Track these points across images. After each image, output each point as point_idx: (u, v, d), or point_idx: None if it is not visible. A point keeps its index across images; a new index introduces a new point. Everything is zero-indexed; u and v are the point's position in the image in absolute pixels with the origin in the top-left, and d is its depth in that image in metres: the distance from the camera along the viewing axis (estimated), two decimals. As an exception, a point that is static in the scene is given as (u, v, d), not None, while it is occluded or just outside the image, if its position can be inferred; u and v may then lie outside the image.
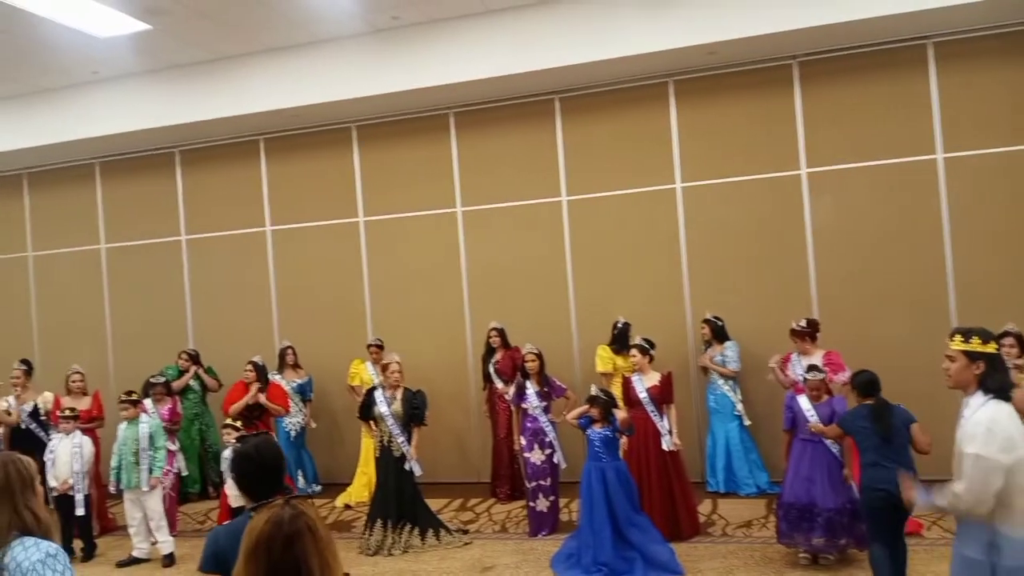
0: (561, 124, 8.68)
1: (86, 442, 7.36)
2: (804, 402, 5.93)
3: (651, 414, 6.65)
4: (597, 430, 6.25)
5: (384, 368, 7.27)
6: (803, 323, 7.09)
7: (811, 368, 6.07)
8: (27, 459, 2.60)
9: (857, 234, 7.83)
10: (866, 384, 5.17)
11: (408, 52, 8.18)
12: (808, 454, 5.85)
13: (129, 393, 7.31)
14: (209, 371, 9.11)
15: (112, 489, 7.13)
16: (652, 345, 6.90)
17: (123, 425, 7.16)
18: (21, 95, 9.51)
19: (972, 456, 3.18)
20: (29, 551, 2.41)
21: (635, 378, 6.79)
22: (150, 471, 7.00)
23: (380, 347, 8.57)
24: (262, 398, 7.97)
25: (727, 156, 8.16)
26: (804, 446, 5.93)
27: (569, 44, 7.71)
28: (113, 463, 7.09)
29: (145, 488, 6.96)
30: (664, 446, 6.60)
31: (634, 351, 6.85)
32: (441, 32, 8.07)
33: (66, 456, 7.21)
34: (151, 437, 7.06)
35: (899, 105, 7.70)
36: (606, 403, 6.28)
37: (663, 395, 6.71)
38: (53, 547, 2.45)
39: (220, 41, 8.28)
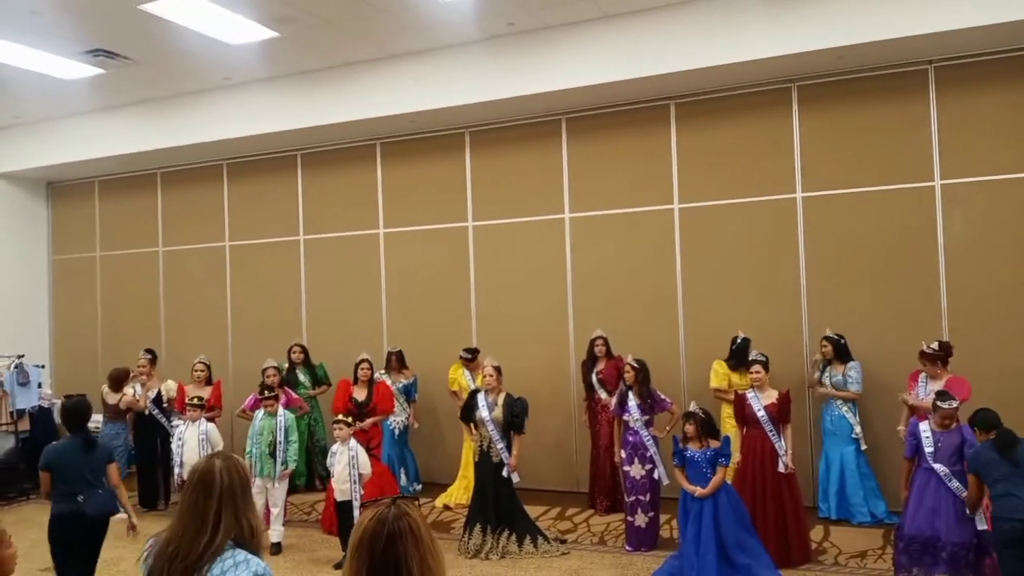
0: (675, 130, 8.49)
1: (211, 429, 7.71)
2: (925, 428, 5.58)
3: (769, 433, 6.38)
4: (695, 450, 6.05)
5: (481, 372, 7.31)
6: (935, 345, 6.63)
7: (942, 395, 5.68)
8: (244, 461, 2.45)
9: (993, 250, 7.29)
10: (986, 420, 5.14)
11: (522, 58, 8.20)
12: (932, 484, 5.50)
13: (271, 388, 7.64)
14: (320, 367, 9.38)
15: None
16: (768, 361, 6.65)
17: (260, 414, 7.46)
18: (157, 99, 10.10)
19: None
20: (238, 567, 2.23)
21: (751, 395, 6.53)
22: (284, 463, 7.28)
23: (471, 359, 8.56)
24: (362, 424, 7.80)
25: (853, 165, 7.76)
26: (928, 476, 5.58)
27: (685, 49, 7.53)
28: (250, 450, 7.37)
29: (276, 479, 7.24)
30: (780, 468, 6.33)
31: (758, 367, 6.56)
32: (555, 38, 8.04)
33: (194, 443, 7.56)
34: (286, 430, 7.34)
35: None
36: (703, 421, 6.09)
37: (781, 414, 6.43)
38: (262, 566, 2.27)
39: (342, 48, 8.54)
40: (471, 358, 8.60)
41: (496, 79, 8.34)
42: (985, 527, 5.28)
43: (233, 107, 9.71)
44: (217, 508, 2.29)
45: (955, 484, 5.41)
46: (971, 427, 5.31)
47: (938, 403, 5.59)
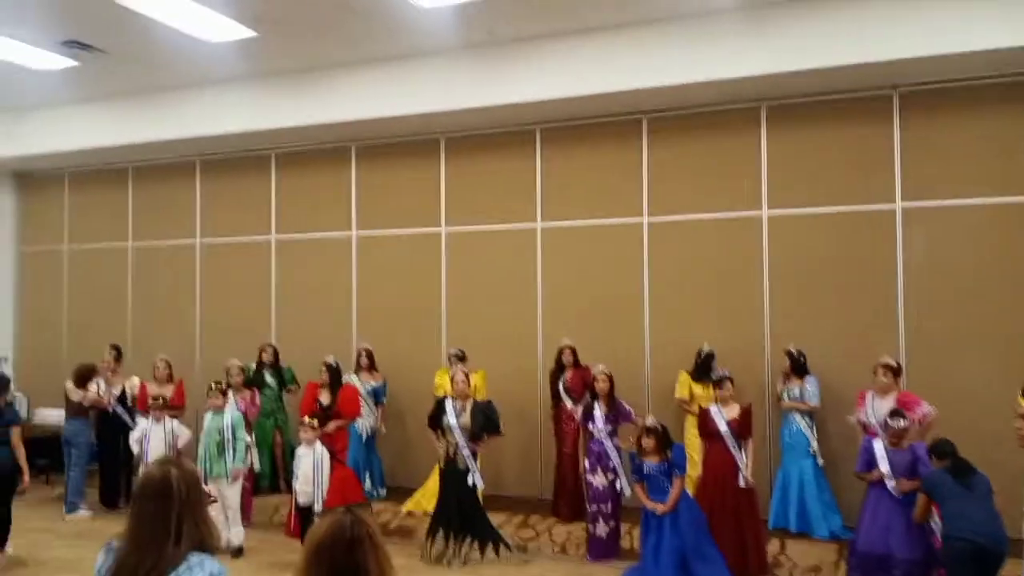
0: (647, 144, 8.62)
1: (178, 425, 7.67)
2: (878, 446, 5.74)
3: (731, 448, 6.51)
4: (652, 463, 6.15)
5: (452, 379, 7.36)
6: (892, 361, 6.78)
7: (894, 414, 5.84)
8: (193, 466, 2.47)
9: (950, 273, 7.50)
10: (941, 449, 5.26)
11: (499, 67, 8.27)
12: (885, 501, 5.66)
13: (219, 383, 7.54)
14: (287, 371, 9.35)
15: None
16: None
17: (209, 414, 7.41)
18: (131, 93, 10.00)
19: None
20: (194, 571, 2.26)
21: (714, 409, 6.65)
22: (234, 462, 7.19)
23: (460, 358, 8.46)
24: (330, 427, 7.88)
25: (818, 185, 7.94)
26: (880, 493, 5.74)
27: (659, 65, 7.63)
28: (199, 451, 7.32)
29: (228, 479, 7.18)
30: (740, 483, 6.45)
31: (728, 384, 6.69)
32: (532, 49, 8.11)
33: (159, 443, 7.50)
34: (233, 428, 7.26)
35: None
36: (661, 435, 6.20)
37: (742, 428, 6.56)
38: (217, 567, 2.31)
39: (321, 50, 8.54)
40: (462, 356, 8.48)
41: (473, 87, 8.40)
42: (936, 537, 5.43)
43: (208, 104, 9.67)
44: (178, 518, 2.28)
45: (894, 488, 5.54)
46: (928, 455, 5.44)
47: (888, 421, 5.75)
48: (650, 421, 6.33)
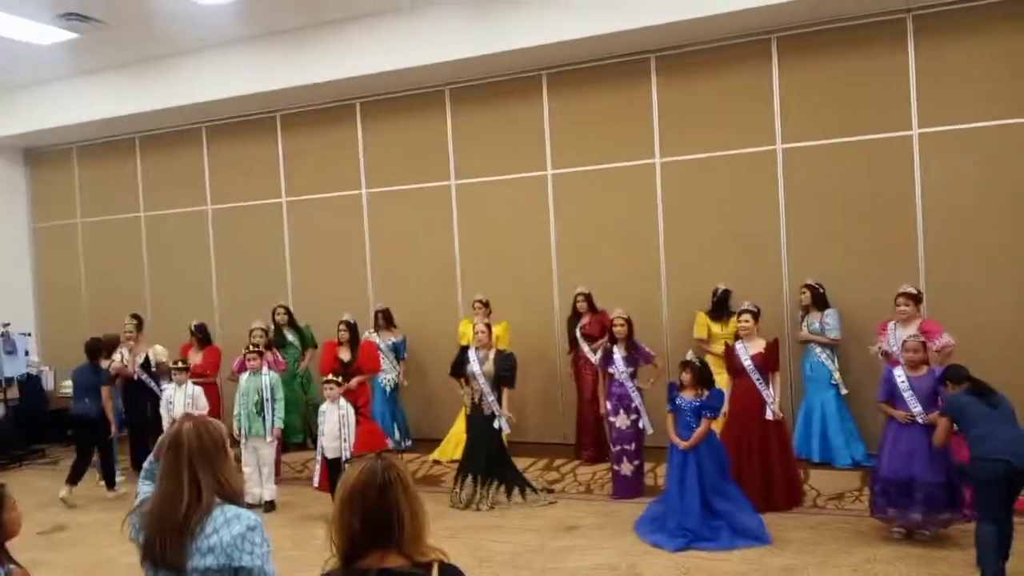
0: (656, 84, 8.48)
1: (198, 392, 7.80)
2: (899, 373, 5.73)
3: (756, 382, 6.52)
4: (686, 398, 6.17)
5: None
6: (914, 288, 6.75)
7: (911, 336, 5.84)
8: (217, 422, 2.48)
9: (969, 199, 7.39)
10: (956, 374, 5.25)
11: (499, 14, 8.13)
12: (906, 427, 5.66)
13: (256, 345, 7.65)
14: (306, 329, 9.43)
15: (237, 437, 7.28)
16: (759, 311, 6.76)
17: (245, 375, 7.51)
18: (133, 63, 9.94)
19: None
20: (231, 523, 2.31)
21: (739, 346, 6.66)
22: (273, 422, 7.33)
23: (484, 304, 8.46)
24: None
25: (832, 116, 7.81)
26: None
27: (665, 2, 7.49)
28: (236, 411, 7.42)
29: (269, 438, 7.32)
30: (768, 415, 6.48)
31: (746, 316, 6.67)
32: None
33: (181, 407, 7.62)
34: (272, 389, 7.39)
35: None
36: (698, 370, 6.20)
37: (768, 362, 6.56)
38: (253, 519, 2.35)
39: (318, 6, 8.42)
40: (486, 303, 8.46)
41: (474, 35, 8.27)
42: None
43: (209, 69, 9.59)
44: (191, 469, 2.33)
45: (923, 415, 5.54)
46: (942, 383, 5.43)
47: (906, 341, 5.75)
48: (689, 355, 6.32)
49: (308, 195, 10.23)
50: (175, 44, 9.40)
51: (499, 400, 7.08)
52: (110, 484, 8.21)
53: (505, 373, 7.10)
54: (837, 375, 7.50)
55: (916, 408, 5.61)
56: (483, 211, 9.31)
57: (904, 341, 5.83)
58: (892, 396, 5.78)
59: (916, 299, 6.67)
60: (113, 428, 8.17)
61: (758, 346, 6.60)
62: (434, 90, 9.42)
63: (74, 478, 7.96)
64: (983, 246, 7.32)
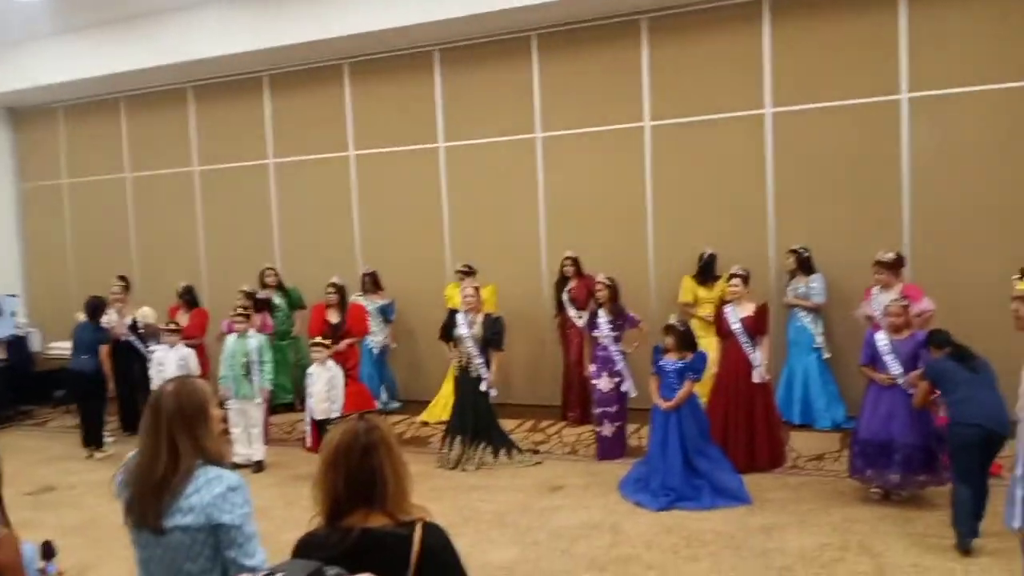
0: (647, 46, 8.42)
1: (189, 354, 7.81)
2: (881, 337, 5.80)
3: (743, 345, 6.60)
4: (670, 360, 6.25)
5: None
6: (891, 255, 6.83)
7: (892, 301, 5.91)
8: (202, 383, 2.47)
9: (957, 163, 7.42)
10: (938, 339, 5.29)
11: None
12: (886, 389, 5.75)
13: (245, 307, 7.65)
14: (292, 291, 9.43)
15: (224, 397, 7.32)
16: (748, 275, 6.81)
17: (231, 337, 7.53)
18: (117, 21, 9.77)
19: None
20: (212, 484, 2.33)
21: (728, 309, 6.73)
22: (261, 384, 7.36)
23: (467, 272, 8.45)
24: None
25: (821, 80, 7.78)
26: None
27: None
28: (222, 372, 7.45)
29: (258, 400, 7.36)
30: (754, 378, 6.57)
31: (736, 280, 6.73)
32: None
33: (172, 368, 7.64)
34: (260, 351, 7.41)
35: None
36: (681, 334, 6.27)
37: (757, 326, 6.63)
38: (235, 479, 2.36)
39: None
40: (466, 272, 8.49)
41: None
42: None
43: (196, 28, 9.44)
44: (169, 431, 2.34)
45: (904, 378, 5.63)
46: (925, 347, 5.50)
47: (887, 305, 5.82)
48: (672, 319, 6.39)
49: (296, 156, 10.17)
50: (162, 1, 9.24)
51: (487, 363, 7.14)
52: (98, 444, 8.26)
53: (493, 336, 7.16)
54: (820, 339, 7.60)
55: (897, 371, 5.69)
56: (471, 174, 9.28)
57: (886, 305, 5.91)
58: (874, 360, 5.86)
59: (893, 265, 6.74)
60: (111, 385, 8.28)
61: (747, 310, 6.67)
62: (423, 51, 9.32)
63: (93, 437, 8.20)
64: (970, 211, 7.36)
